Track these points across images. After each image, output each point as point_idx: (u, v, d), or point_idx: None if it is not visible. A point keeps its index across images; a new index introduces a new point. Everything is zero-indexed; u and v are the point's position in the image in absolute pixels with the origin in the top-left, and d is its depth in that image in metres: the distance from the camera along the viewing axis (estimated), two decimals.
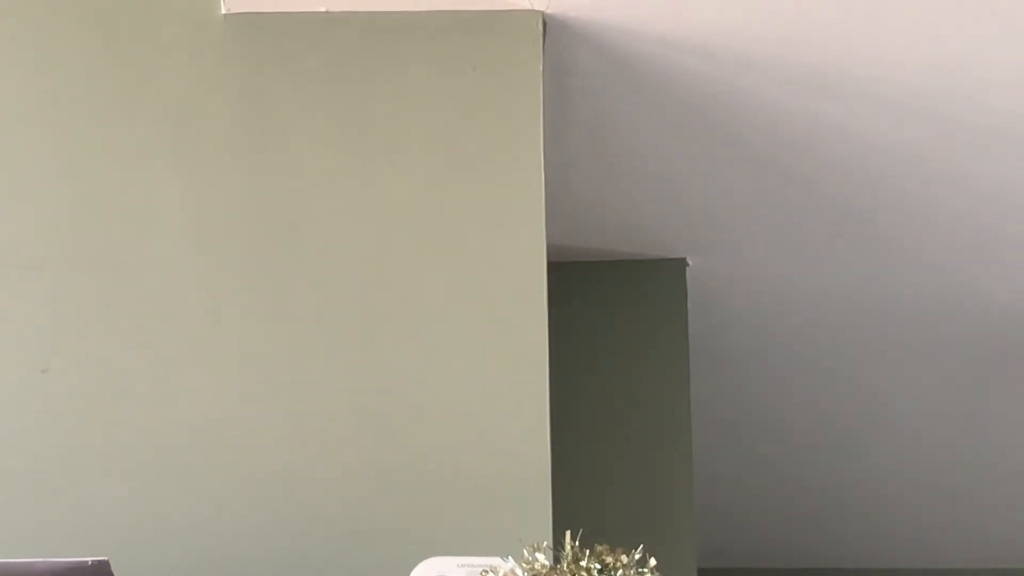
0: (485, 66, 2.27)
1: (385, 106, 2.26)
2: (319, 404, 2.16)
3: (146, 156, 2.24)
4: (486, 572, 1.70)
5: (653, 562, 1.67)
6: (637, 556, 1.67)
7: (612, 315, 3.15)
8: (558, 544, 1.68)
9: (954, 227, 2.97)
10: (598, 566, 1.65)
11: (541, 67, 2.27)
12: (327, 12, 2.29)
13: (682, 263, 3.14)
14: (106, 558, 1.81)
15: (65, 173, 2.24)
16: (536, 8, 2.29)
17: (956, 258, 3.10)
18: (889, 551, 4.54)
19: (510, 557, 1.69)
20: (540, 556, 1.67)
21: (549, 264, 2.22)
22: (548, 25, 2.31)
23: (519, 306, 2.19)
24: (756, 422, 3.80)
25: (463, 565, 1.85)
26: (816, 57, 2.43)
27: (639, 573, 1.66)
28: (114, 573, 1.80)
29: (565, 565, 1.65)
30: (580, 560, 1.65)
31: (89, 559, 1.79)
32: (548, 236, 2.22)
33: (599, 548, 1.67)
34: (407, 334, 2.18)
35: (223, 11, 2.29)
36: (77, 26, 2.29)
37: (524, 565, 1.67)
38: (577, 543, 1.66)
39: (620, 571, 1.65)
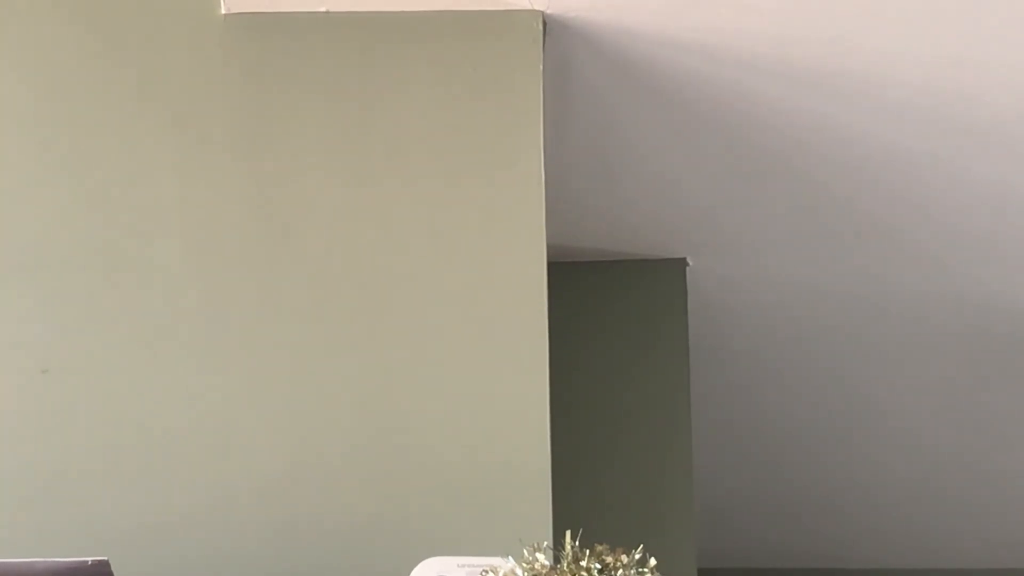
0: (485, 66, 2.27)
1: (385, 106, 2.26)
2: (319, 404, 2.16)
3: (146, 156, 2.24)
4: (486, 572, 1.70)
5: (653, 562, 1.67)
6: (637, 556, 1.67)
7: (612, 315, 3.15)
8: (558, 544, 1.68)
9: (954, 227, 2.97)
10: (598, 566, 1.65)
11: (541, 67, 2.27)
12: (327, 12, 2.29)
13: (682, 263, 3.14)
14: (106, 558, 1.81)
15: (65, 173, 2.24)
16: (536, 8, 2.29)
17: (956, 258, 3.10)
18: (889, 551, 4.53)
19: (510, 557, 1.69)
20: (540, 556, 1.67)
21: (549, 264, 2.22)
22: (548, 25, 2.31)
23: (519, 306, 2.19)
24: (756, 422, 3.80)
25: (463, 565, 1.85)
26: (816, 57, 2.43)
27: (639, 573, 1.66)
28: (114, 573, 1.81)
29: (565, 565, 1.65)
30: (580, 560, 1.65)
31: (89, 559, 1.79)
32: (548, 236, 2.22)
33: (599, 548, 1.67)
34: (407, 334, 2.18)
35: (223, 11, 2.29)
36: (77, 26, 2.29)
37: (524, 565, 1.67)
38: (577, 543, 1.66)
39: (620, 571, 1.65)
